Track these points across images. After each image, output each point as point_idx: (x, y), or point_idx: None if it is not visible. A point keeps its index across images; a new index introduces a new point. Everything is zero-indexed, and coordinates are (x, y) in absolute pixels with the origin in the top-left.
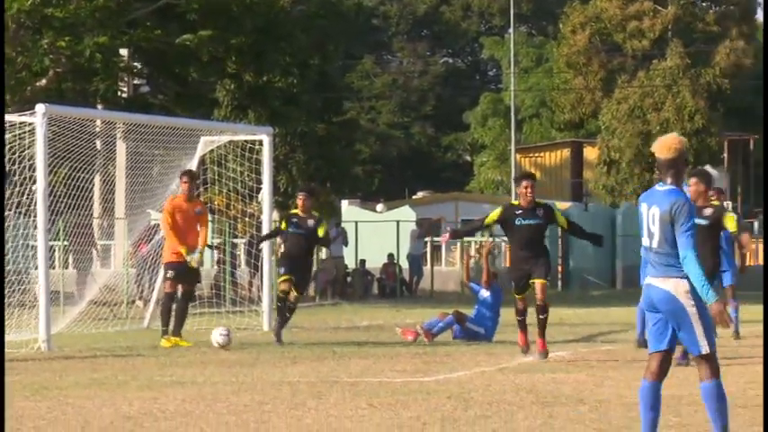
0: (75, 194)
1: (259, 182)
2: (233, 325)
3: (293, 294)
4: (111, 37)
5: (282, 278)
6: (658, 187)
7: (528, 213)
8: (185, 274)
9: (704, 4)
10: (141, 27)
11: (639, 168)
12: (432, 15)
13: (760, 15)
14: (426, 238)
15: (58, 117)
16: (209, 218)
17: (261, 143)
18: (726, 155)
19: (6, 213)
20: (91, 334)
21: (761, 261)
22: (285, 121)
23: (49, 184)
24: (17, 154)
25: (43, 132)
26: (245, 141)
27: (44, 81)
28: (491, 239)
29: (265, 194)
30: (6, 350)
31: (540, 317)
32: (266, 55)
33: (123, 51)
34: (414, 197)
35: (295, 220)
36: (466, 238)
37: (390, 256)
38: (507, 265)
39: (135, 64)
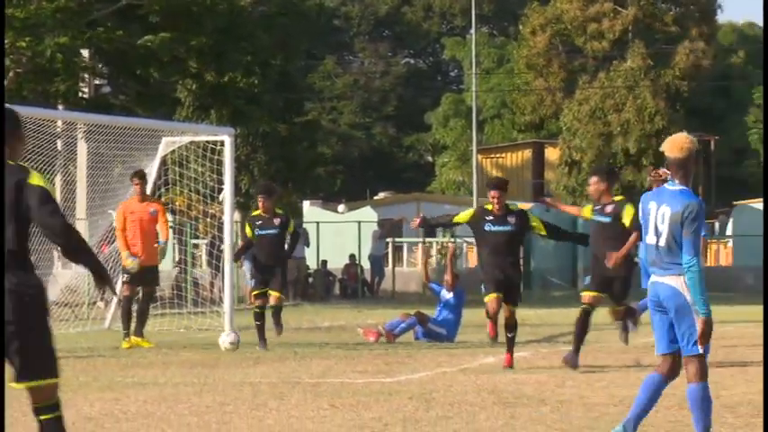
0: None
1: (221, 182)
2: (194, 325)
3: (275, 297)
4: (72, 37)
5: (256, 292)
6: (668, 186)
7: (498, 220)
8: (142, 276)
9: (664, 5)
10: (102, 28)
11: None
12: (393, 16)
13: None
14: (388, 239)
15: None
16: (170, 218)
17: (222, 144)
18: None
19: None
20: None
21: (725, 262)
22: (247, 121)
23: None
24: None
25: None
26: (207, 142)
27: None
28: (452, 240)
29: (227, 195)
30: None
31: (509, 335)
32: (227, 55)
33: (84, 52)
34: (375, 198)
35: (259, 222)
36: (427, 239)
37: (352, 256)
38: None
39: (96, 64)
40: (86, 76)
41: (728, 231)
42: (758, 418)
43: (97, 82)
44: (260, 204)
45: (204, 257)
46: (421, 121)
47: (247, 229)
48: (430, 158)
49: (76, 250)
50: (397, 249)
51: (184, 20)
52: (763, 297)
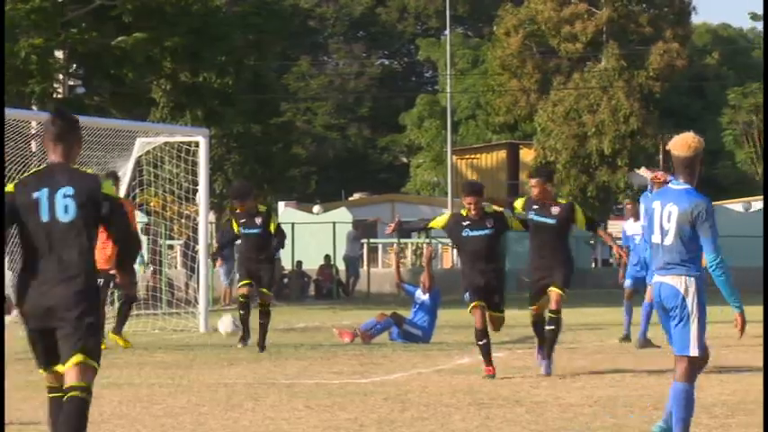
0: None
1: (195, 183)
2: (169, 326)
3: (263, 296)
4: (46, 38)
5: (242, 283)
6: (673, 186)
7: (476, 224)
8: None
9: (638, 6)
10: (76, 29)
11: (575, 170)
12: (368, 17)
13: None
14: (363, 240)
15: None
16: (145, 219)
17: (197, 144)
18: (661, 156)
19: None
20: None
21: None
22: (221, 121)
23: None
24: None
25: None
26: (182, 143)
27: None
28: (428, 242)
29: (202, 196)
30: None
31: (480, 342)
32: (202, 55)
33: (59, 53)
34: (350, 199)
35: (243, 220)
36: (402, 240)
37: (327, 257)
38: (445, 266)
39: (71, 65)
40: (61, 76)
41: None
42: (732, 418)
43: (71, 83)
44: (238, 209)
45: (179, 258)
46: (396, 123)
47: (233, 224)
48: (405, 159)
49: (134, 260)
50: (372, 250)
51: (158, 20)
52: (763, 297)
